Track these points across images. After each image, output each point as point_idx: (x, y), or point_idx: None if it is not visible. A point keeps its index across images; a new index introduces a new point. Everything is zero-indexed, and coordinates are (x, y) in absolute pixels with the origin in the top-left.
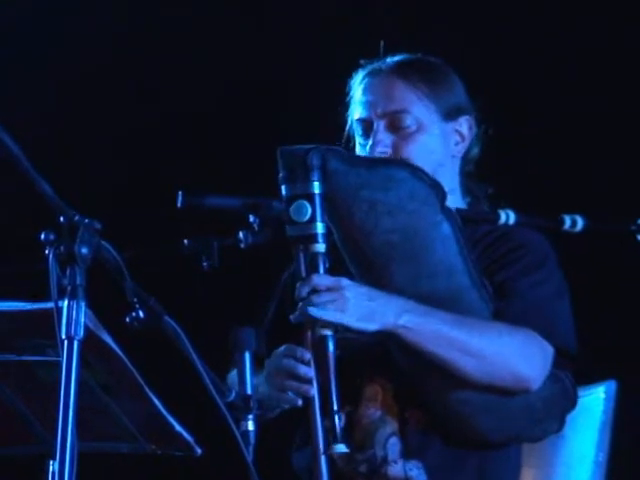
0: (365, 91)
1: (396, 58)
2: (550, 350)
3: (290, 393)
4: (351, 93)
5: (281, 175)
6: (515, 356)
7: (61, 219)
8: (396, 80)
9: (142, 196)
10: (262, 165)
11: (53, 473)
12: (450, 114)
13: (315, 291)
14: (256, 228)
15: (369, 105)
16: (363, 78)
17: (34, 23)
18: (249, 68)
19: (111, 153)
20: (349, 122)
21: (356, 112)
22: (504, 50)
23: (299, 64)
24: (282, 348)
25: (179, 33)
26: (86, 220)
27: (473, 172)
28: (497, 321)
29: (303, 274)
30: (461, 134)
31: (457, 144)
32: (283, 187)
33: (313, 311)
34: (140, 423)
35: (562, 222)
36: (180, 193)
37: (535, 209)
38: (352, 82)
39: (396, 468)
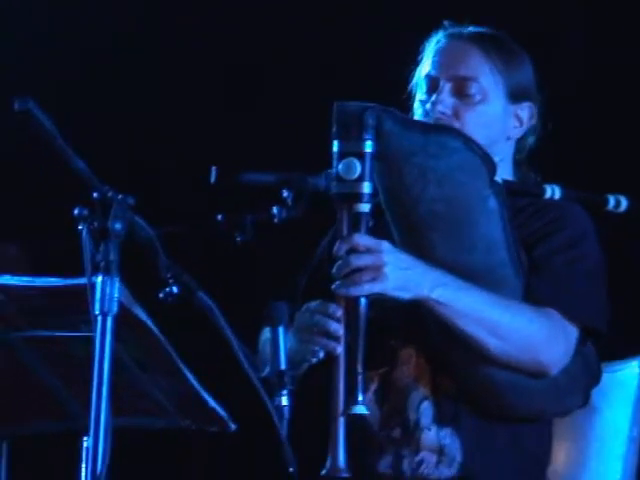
0: (440, 50)
1: (479, 28)
2: (574, 334)
3: (317, 348)
4: (425, 51)
5: (334, 130)
6: (539, 343)
7: (95, 195)
8: (473, 47)
9: (176, 172)
10: (297, 139)
11: (87, 449)
12: (516, 96)
13: (354, 250)
14: (290, 203)
15: (440, 64)
16: (441, 38)
17: None
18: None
19: (145, 129)
20: (415, 78)
21: (426, 68)
22: None
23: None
24: (314, 303)
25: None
26: (119, 196)
27: (524, 161)
28: (527, 304)
29: (344, 232)
30: (520, 119)
31: (515, 127)
32: (335, 142)
33: (351, 291)
34: (174, 399)
35: (606, 201)
36: (214, 169)
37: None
38: (429, 41)
39: (430, 435)
